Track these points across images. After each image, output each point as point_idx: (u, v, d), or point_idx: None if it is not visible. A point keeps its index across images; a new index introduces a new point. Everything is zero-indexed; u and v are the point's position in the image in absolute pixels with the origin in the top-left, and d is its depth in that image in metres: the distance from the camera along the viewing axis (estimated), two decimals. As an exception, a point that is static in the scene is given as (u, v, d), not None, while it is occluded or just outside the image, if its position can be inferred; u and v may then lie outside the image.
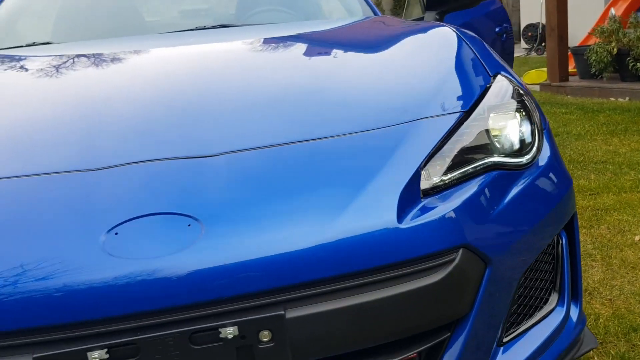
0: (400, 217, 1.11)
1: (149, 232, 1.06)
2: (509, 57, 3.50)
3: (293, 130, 1.28)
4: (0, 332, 0.99)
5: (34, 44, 2.27)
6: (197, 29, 2.25)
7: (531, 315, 1.39)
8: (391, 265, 1.09)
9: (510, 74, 1.58)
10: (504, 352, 1.30)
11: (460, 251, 1.15)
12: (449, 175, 1.24)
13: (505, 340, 1.32)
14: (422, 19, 2.99)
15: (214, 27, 2.25)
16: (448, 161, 1.25)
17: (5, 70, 1.90)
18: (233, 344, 1.03)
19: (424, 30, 1.88)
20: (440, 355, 1.20)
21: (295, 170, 1.18)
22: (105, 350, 0.99)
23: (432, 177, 1.22)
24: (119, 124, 1.34)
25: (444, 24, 1.96)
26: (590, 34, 7.07)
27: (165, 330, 1.01)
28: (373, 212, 1.10)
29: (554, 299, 1.44)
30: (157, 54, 1.90)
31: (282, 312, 1.03)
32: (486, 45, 1.75)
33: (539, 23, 10.98)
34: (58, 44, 2.23)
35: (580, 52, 6.94)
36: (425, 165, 1.22)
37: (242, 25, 2.29)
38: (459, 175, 1.25)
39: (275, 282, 1.04)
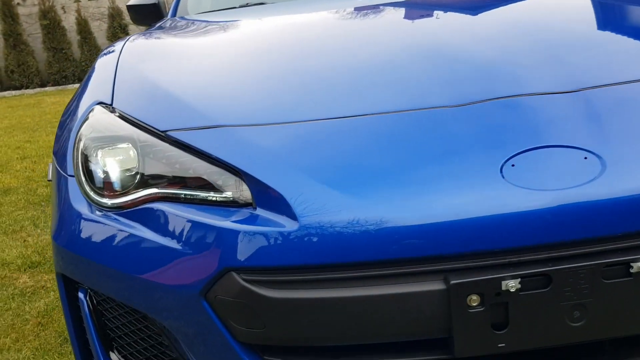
0: None
1: (547, 164, 1.03)
2: None
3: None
4: (413, 258, 1.00)
5: (247, 5, 2.31)
6: None
7: None
8: None
9: None
10: None
11: None
12: None
13: None
14: None
15: None
16: None
17: (245, 23, 1.94)
18: None
19: None
20: None
21: None
22: (519, 280, 0.98)
23: None
24: (440, 66, 1.32)
25: None
26: None
27: (577, 263, 0.98)
28: None
29: None
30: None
31: None
32: None
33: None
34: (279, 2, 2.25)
35: None
36: None
37: None
38: None
39: None
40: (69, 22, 11.91)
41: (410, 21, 1.71)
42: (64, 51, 11.60)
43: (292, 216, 1.03)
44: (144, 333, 1.27)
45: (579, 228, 0.98)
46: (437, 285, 0.99)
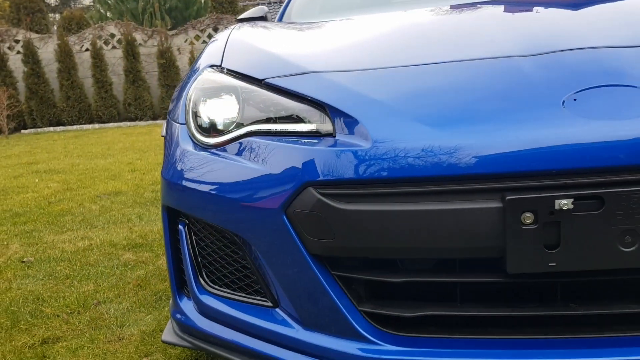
0: None
1: (605, 99, 1.11)
2: None
3: None
4: (473, 175, 1.10)
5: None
6: None
7: None
8: None
9: None
10: None
11: None
12: None
13: None
14: None
15: None
16: None
17: (342, 22, 2.14)
18: None
19: None
20: None
21: None
22: (572, 200, 1.05)
23: None
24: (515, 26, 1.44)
25: None
26: None
27: (630, 187, 1.05)
28: None
29: None
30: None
31: None
32: None
33: None
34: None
35: None
36: None
37: None
38: None
39: None
40: (182, 62, 12.90)
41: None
42: (175, 87, 12.52)
43: (366, 137, 1.17)
44: (231, 258, 1.43)
45: (631, 155, 1.04)
46: (494, 203, 1.08)
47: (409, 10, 2.11)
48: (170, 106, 1.74)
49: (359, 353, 1.21)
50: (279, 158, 1.27)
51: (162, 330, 1.92)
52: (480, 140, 1.10)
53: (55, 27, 17.23)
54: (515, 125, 1.10)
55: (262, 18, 3.05)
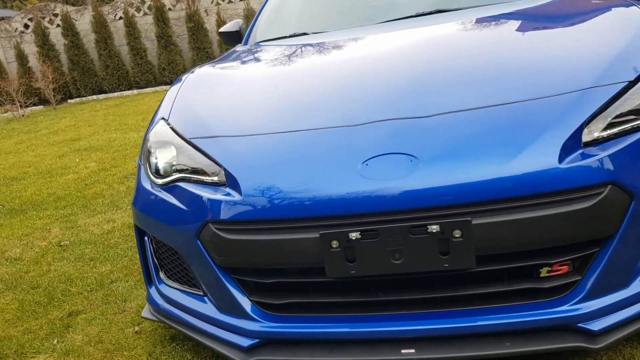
0: (561, 159, 1.56)
1: (387, 163, 1.68)
2: None
3: (488, 97, 1.78)
4: (296, 218, 1.70)
5: (294, 35, 3.05)
6: (417, 15, 2.81)
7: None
8: (549, 194, 1.55)
9: None
10: (651, 273, 1.67)
11: (609, 187, 1.56)
12: (608, 132, 1.63)
13: (656, 266, 1.68)
14: None
15: (430, 13, 2.79)
16: (609, 120, 1.64)
17: (276, 53, 2.70)
18: (435, 237, 1.60)
19: (611, 8, 2.18)
20: (590, 265, 1.63)
21: (487, 127, 1.69)
22: (359, 232, 1.64)
23: (593, 132, 1.63)
24: (365, 93, 1.99)
25: (634, 2, 2.22)
26: None
27: (394, 224, 1.62)
28: (538, 157, 1.57)
29: None
30: (388, 38, 2.51)
31: (469, 219, 1.57)
32: None
33: None
34: (313, 34, 2.97)
35: None
36: (588, 123, 1.63)
37: (454, 10, 2.78)
38: (617, 131, 1.63)
39: (466, 199, 1.58)
40: (210, 23, 13.42)
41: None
42: (205, 50, 13.11)
43: (239, 191, 1.78)
44: (176, 262, 2.09)
45: (396, 202, 1.62)
46: (315, 234, 1.68)
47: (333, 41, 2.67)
48: (141, 149, 2.38)
49: (250, 327, 1.86)
50: (193, 200, 1.90)
51: (152, 304, 2.62)
52: (308, 195, 1.70)
53: (91, -7, 17.96)
54: (328, 185, 1.69)
55: (237, 32, 3.62)
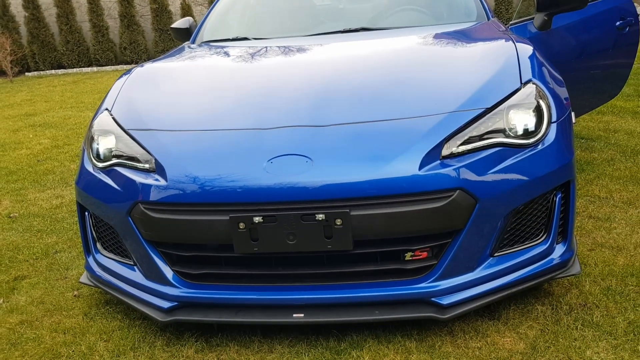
0: (422, 168, 1.96)
1: (288, 162, 2.04)
2: (631, 48, 3.78)
3: (374, 113, 2.17)
4: (211, 202, 2.06)
5: (236, 39, 3.39)
6: (344, 31, 3.20)
7: (522, 243, 2.15)
8: (411, 194, 1.95)
9: (543, 81, 2.27)
10: (492, 258, 2.09)
11: (457, 191, 1.97)
12: (462, 148, 2.04)
13: (496, 254, 2.11)
14: (532, 19, 3.51)
15: (355, 30, 3.17)
16: (465, 138, 2.05)
17: (215, 55, 3.03)
18: (321, 224, 1.98)
19: (496, 40, 2.60)
20: (444, 252, 2.05)
21: (368, 138, 2.08)
22: (261, 217, 2.01)
23: (450, 148, 2.03)
24: (281, 101, 2.35)
25: (513, 37, 2.64)
26: None
27: (289, 212, 1.99)
28: (404, 165, 1.97)
29: (542, 235, 2.17)
30: (314, 50, 2.88)
31: (348, 211, 1.96)
32: (537, 56, 2.43)
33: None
34: (253, 39, 3.32)
35: None
36: (448, 140, 2.04)
37: (376, 29, 3.18)
38: (471, 147, 2.04)
39: (346, 195, 1.96)
40: (175, 6, 13.51)
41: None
42: (168, 32, 13.22)
43: (166, 177, 2.12)
44: (112, 235, 2.42)
45: (292, 194, 1.99)
46: (225, 217, 2.04)
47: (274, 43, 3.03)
48: (86, 135, 2.69)
49: (171, 292, 2.21)
50: (127, 183, 2.23)
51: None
52: (221, 184, 2.05)
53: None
54: (238, 177, 2.05)
55: (187, 29, 3.94)
